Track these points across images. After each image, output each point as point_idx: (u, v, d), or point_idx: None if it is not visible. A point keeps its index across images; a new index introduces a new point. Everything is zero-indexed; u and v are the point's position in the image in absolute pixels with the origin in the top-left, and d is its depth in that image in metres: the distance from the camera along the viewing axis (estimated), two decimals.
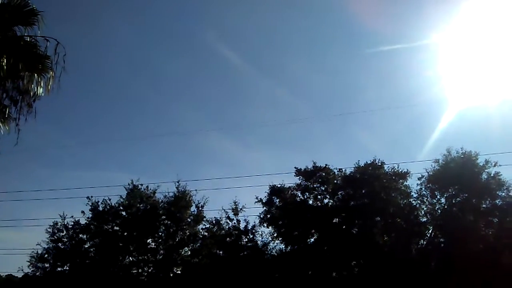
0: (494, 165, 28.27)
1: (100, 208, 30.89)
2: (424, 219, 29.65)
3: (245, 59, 58.75)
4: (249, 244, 29.89)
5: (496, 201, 28.23)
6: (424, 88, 52.13)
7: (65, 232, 30.91)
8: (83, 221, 30.95)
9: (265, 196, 30.39)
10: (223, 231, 30.18)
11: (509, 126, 44.20)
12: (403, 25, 54.35)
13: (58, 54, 11.88)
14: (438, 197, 29.40)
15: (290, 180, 30.86)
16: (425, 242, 29.51)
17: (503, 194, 28.11)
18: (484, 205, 28.55)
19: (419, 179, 29.61)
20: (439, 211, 29.35)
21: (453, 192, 28.99)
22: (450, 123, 40.88)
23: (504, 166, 28.50)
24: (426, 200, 29.57)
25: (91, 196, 31.00)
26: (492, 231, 28.20)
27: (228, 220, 30.17)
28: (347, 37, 57.79)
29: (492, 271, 25.10)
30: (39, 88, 12.23)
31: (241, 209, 30.16)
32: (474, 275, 24.89)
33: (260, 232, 30.23)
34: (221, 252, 30.07)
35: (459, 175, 28.05)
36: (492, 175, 28.29)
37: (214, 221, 30.48)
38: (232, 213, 30.10)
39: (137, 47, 59.83)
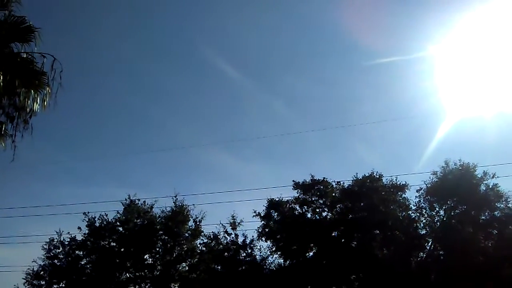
0: (493, 177, 28.32)
1: (97, 224, 30.59)
2: (423, 232, 29.58)
3: (241, 73, 58.90)
4: (247, 259, 29.65)
5: (495, 212, 28.23)
6: (421, 100, 52.14)
7: (61, 248, 30.54)
8: (79, 237, 30.61)
9: (263, 210, 30.24)
10: (221, 246, 29.95)
11: (506, 138, 44.36)
12: (400, 38, 54.66)
13: (54, 70, 11.89)
14: (437, 209, 29.37)
15: (288, 194, 30.74)
16: (424, 255, 29.37)
17: (502, 205, 28.12)
18: (483, 217, 28.53)
19: (417, 191, 29.64)
20: (438, 223, 29.27)
21: (452, 204, 28.97)
22: (447, 134, 40.90)
23: (502, 177, 28.57)
24: (425, 212, 29.53)
25: (88, 212, 30.73)
26: (491, 243, 28.14)
27: (226, 235, 29.99)
28: (344, 50, 58.06)
29: (492, 283, 24.98)
30: (35, 104, 12.19)
31: (239, 223, 29.99)
32: (474, 287, 24.78)
33: (258, 247, 30.04)
34: (219, 267, 29.80)
35: (457, 187, 28.04)
36: (490, 186, 28.32)
37: (212, 236, 30.25)
38: (230, 227, 29.93)
39: (134, 62, 59.91)
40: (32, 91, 12.19)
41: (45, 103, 12.21)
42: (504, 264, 26.45)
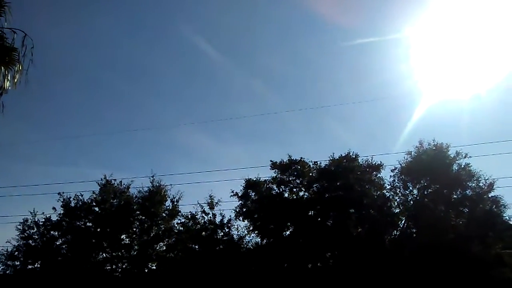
0: (465, 157, 29.00)
1: (72, 204, 30.29)
2: (397, 210, 30.19)
3: (220, 53, 58.35)
4: (224, 238, 29.84)
5: (467, 191, 28.94)
6: (398, 82, 52.82)
7: (36, 229, 30.20)
8: (54, 218, 30.31)
9: (241, 190, 30.39)
10: (199, 226, 30.03)
11: (479, 119, 45.41)
12: (376, 19, 54.95)
13: (25, 46, 11.52)
14: (411, 188, 29.98)
15: (266, 174, 30.94)
16: (398, 233, 30.05)
17: (473, 185, 28.83)
18: (455, 196, 29.22)
19: (392, 171, 30.16)
20: (411, 202, 29.91)
21: (425, 183, 29.57)
22: (423, 115, 41.69)
23: (474, 157, 29.27)
24: (399, 191, 30.10)
25: (63, 192, 30.39)
26: (462, 221, 28.91)
27: (203, 214, 30.08)
28: (322, 30, 58.02)
29: (463, 259, 25.76)
30: (6, 81, 11.81)
31: (216, 203, 30.10)
32: (446, 264, 25.52)
33: (235, 226, 30.24)
34: (196, 247, 29.92)
35: (430, 166, 28.61)
36: (462, 166, 29.00)
37: (189, 216, 30.32)
38: (208, 207, 30.04)
39: (111, 40, 58.69)
40: (2, 67, 11.79)
41: (16, 80, 11.84)
42: (474, 241, 27.28)
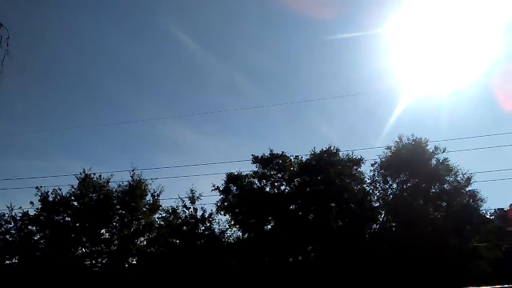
0: (443, 151, 29.49)
1: (50, 199, 29.80)
2: (377, 204, 30.59)
3: (202, 46, 58.05)
4: (206, 232, 29.78)
5: (445, 185, 29.43)
6: (379, 77, 53.37)
7: (13, 223, 29.64)
8: (32, 212, 29.78)
9: (222, 184, 30.39)
10: (180, 220, 29.90)
11: (458, 114, 46.15)
12: (359, 14, 55.34)
13: (1, 36, 11.27)
14: (390, 182, 30.35)
15: (247, 168, 31.03)
16: (377, 226, 30.42)
17: (451, 179, 29.35)
18: (433, 190, 29.68)
19: (372, 165, 30.49)
20: (391, 196, 30.28)
21: (404, 178, 29.97)
22: (403, 111, 42.19)
23: (452, 152, 29.76)
24: (379, 185, 30.47)
25: (41, 186, 29.85)
26: (440, 215, 29.40)
27: (184, 209, 29.96)
28: (303, 25, 58.18)
29: (441, 252, 26.19)
30: None
31: (198, 197, 30.00)
32: (424, 257, 25.91)
33: (217, 220, 30.24)
34: (177, 241, 29.80)
35: (409, 161, 29.00)
36: (441, 161, 29.48)
37: (170, 210, 30.15)
38: (189, 201, 29.91)
39: (90, 32, 57.81)
40: None
41: None
42: (452, 235, 27.76)
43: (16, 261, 29.54)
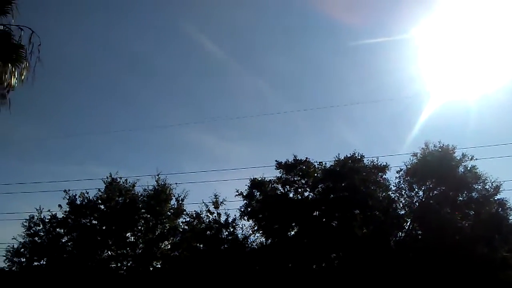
0: (471, 159, 28.84)
1: (78, 202, 30.42)
2: (402, 212, 30.13)
3: (226, 53, 58.43)
4: (229, 238, 29.85)
5: (472, 194, 28.80)
6: (406, 82, 52.60)
7: (41, 226, 30.35)
8: (60, 215, 30.45)
9: (246, 189, 30.41)
10: (203, 225, 30.07)
11: (486, 121, 45.13)
12: (385, 19, 54.80)
13: (32, 43, 11.57)
14: (416, 190, 29.86)
15: (271, 173, 30.91)
16: (403, 234, 29.96)
17: (479, 187, 28.71)
18: (460, 198, 29.09)
19: (397, 172, 30.09)
20: (417, 203, 29.79)
21: (431, 185, 29.47)
22: (429, 117, 41.46)
23: (480, 159, 29.10)
24: (405, 193, 30.02)
25: (68, 190, 30.52)
26: (468, 223, 28.79)
27: (208, 214, 30.09)
28: (329, 30, 57.88)
29: (468, 262, 25.62)
30: (13, 78, 11.88)
31: (221, 202, 30.11)
32: (451, 266, 25.39)
33: (240, 225, 30.26)
34: (201, 246, 29.96)
35: (436, 168, 28.49)
36: (468, 168, 28.87)
37: (194, 215, 30.35)
38: (213, 206, 30.04)
39: (118, 39, 58.83)
40: (9, 65, 11.86)
41: (23, 77, 11.91)
42: (480, 244, 27.13)
43: (44, 262, 30.19)
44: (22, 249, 30.05)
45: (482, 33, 46.96)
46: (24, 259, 30.08)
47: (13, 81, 11.91)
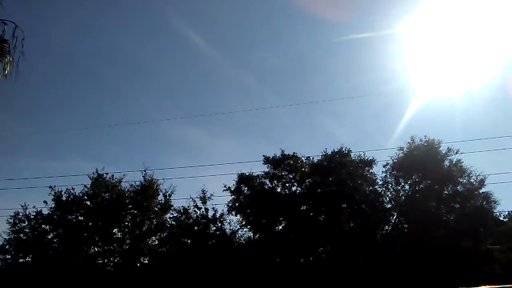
0: (456, 153, 29.26)
1: (64, 198, 30.09)
2: (389, 206, 30.44)
3: (212, 47, 58.16)
4: (217, 233, 29.84)
5: (458, 187, 29.20)
6: (391, 78, 52.93)
7: (27, 222, 29.95)
8: (45, 211, 30.09)
9: (233, 185, 30.45)
10: (191, 220, 30.01)
11: (471, 116, 45.68)
12: (370, 14, 55.00)
13: (16, 37, 11.32)
14: (402, 184, 30.19)
15: (258, 168, 31.04)
16: (389, 228, 30.26)
17: (464, 180, 29.11)
18: (446, 192, 29.46)
19: (384, 166, 30.37)
20: (403, 197, 30.11)
21: (417, 179, 29.77)
22: (415, 112, 41.80)
23: (465, 154, 29.49)
24: (391, 187, 30.35)
25: (54, 186, 30.17)
26: (453, 217, 29.16)
27: (196, 209, 30.05)
28: (314, 25, 58.00)
29: (453, 255, 25.97)
30: None
31: (209, 197, 30.07)
32: (436, 259, 25.71)
33: (228, 220, 30.29)
34: (189, 241, 29.90)
35: (422, 162, 28.79)
36: (454, 162, 29.23)
37: (182, 210, 30.27)
38: (200, 201, 29.99)
39: (104, 34, 58.22)
40: None
41: (6, 72, 11.68)
42: (465, 237, 27.51)
43: (30, 259, 29.85)
44: (7, 246, 29.66)
45: (467, 30, 47.49)
46: (10, 256, 29.71)
47: None
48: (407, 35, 48.49)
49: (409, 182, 30.12)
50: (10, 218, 29.99)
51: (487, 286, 20.41)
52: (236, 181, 30.42)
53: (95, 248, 30.11)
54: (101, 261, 29.94)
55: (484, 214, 28.38)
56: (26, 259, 29.94)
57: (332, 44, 56.69)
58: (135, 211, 30.33)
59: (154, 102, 63.31)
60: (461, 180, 29.12)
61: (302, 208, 29.75)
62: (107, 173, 30.76)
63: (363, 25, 52.00)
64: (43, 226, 30.07)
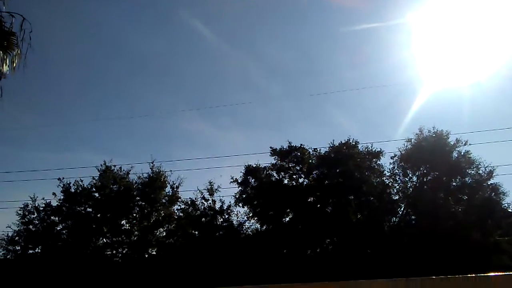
0: (465, 144, 29.05)
1: (72, 190, 30.32)
2: (396, 197, 30.35)
3: (219, 39, 57.86)
4: (224, 224, 29.95)
5: (466, 179, 29.04)
6: (399, 69, 52.31)
7: (36, 214, 30.24)
8: (54, 203, 30.35)
9: (241, 176, 30.46)
10: (198, 212, 30.12)
11: (479, 106, 45.21)
12: (379, 4, 54.37)
13: (24, 30, 11.32)
14: (410, 175, 30.07)
15: (266, 160, 30.96)
16: (397, 220, 30.19)
17: (473, 172, 28.92)
18: (454, 183, 29.30)
19: (392, 158, 30.25)
20: (411, 189, 30.00)
21: (425, 171, 29.64)
22: (424, 103, 41.53)
23: (474, 145, 29.27)
24: (399, 178, 30.24)
25: (63, 178, 30.40)
26: (461, 208, 29.05)
27: (203, 201, 30.18)
28: (322, 15, 57.44)
29: (462, 246, 25.88)
30: (4, 66, 11.67)
31: (216, 189, 30.17)
32: (444, 251, 25.64)
33: (235, 212, 30.39)
34: (196, 232, 30.05)
35: (430, 153, 28.63)
36: (462, 153, 29.04)
37: (189, 202, 30.39)
38: (208, 193, 30.11)
39: (111, 27, 58.08)
40: (1, 52, 11.64)
41: (14, 64, 11.70)
42: (473, 228, 27.40)
43: (39, 250, 30.15)
44: (17, 237, 29.95)
45: (476, 20, 46.90)
46: (19, 247, 30.00)
47: (5, 68, 11.71)
48: (416, 24, 48.02)
49: (417, 174, 30.00)
50: (19, 210, 30.31)
51: (496, 273, 20.30)
52: (243, 172, 30.47)
53: (104, 240, 30.38)
54: (109, 252, 30.20)
55: (492, 205, 28.24)
56: (36, 251, 30.25)
57: (340, 35, 56.11)
58: (143, 203, 30.51)
59: (161, 95, 63.25)
60: (469, 172, 28.95)
61: (309, 199, 29.75)
62: (115, 165, 30.99)
63: (371, 14, 51.28)
64: (52, 217, 30.34)
